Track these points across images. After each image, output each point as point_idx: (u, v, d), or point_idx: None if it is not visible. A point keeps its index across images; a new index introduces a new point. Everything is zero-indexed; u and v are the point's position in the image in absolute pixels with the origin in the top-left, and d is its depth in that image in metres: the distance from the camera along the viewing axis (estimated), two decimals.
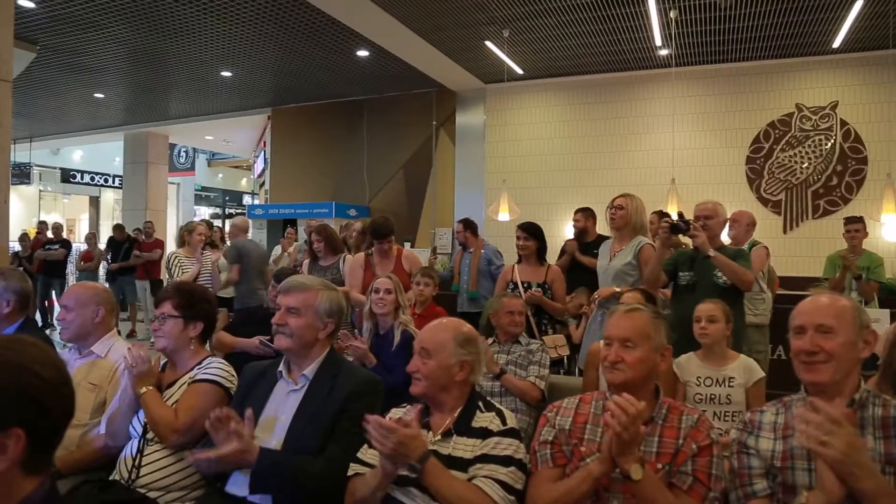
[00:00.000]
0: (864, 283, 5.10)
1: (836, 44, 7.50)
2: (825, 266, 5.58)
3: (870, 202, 7.27)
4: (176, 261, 6.24)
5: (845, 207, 7.81)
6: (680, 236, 3.98)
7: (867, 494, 1.40)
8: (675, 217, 3.70)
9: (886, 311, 4.53)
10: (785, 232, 8.15)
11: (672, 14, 6.79)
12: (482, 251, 5.82)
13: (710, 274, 3.59)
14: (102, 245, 10.38)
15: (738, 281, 3.49)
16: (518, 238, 4.40)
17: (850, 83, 7.97)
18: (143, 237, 9.34)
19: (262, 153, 13.46)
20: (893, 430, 1.57)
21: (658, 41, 7.58)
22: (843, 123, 7.95)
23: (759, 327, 4.70)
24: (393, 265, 4.57)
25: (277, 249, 8.52)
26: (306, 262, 5.15)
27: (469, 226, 6.10)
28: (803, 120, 8.14)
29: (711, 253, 3.52)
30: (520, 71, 8.81)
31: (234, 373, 2.39)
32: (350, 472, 1.94)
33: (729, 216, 5.17)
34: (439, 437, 1.91)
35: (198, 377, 2.32)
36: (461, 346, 1.98)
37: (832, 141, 8.00)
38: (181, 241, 6.61)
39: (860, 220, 5.49)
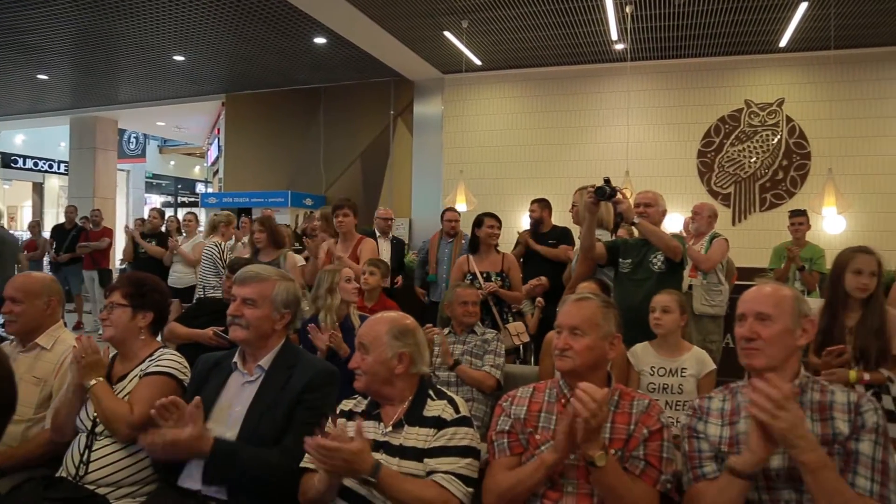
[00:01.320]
0: (806, 274, 5.30)
1: (783, 43, 7.73)
2: (771, 257, 5.78)
3: (812, 196, 7.54)
4: (219, 251, 5.90)
5: (790, 201, 8.08)
6: (633, 229, 4.04)
7: (809, 465, 1.49)
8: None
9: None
10: (734, 224, 8.39)
11: (628, 9, 6.89)
12: (462, 241, 5.87)
13: (647, 260, 3.66)
14: (47, 233, 10.02)
15: (665, 247, 3.55)
16: (492, 226, 4.49)
17: (795, 81, 8.24)
18: (91, 226, 9.05)
19: (216, 140, 13.18)
20: (829, 412, 1.65)
21: (614, 35, 7.68)
22: (789, 120, 8.22)
23: (715, 318, 4.83)
24: (350, 251, 4.55)
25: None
26: (246, 255, 5.00)
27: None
28: (752, 116, 8.38)
29: (636, 220, 3.59)
30: (478, 62, 8.82)
31: (186, 364, 2.35)
32: (304, 463, 1.92)
33: (691, 209, 5.33)
34: (390, 427, 1.91)
35: (150, 369, 2.27)
36: (397, 339, 1.96)
37: (778, 137, 8.26)
38: (212, 230, 6.39)
39: (804, 213, 5.70)
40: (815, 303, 4.48)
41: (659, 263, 3.62)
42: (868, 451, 1.57)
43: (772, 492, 1.62)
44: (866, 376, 2.77)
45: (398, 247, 6.74)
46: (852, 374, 2.77)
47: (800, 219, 5.62)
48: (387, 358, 1.94)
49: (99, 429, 2.17)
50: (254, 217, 8.96)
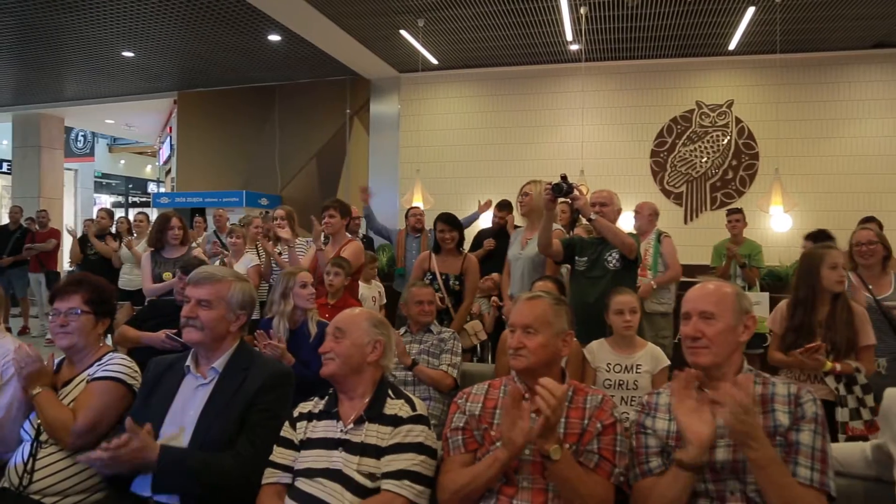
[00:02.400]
0: (747, 270, 5.47)
1: (732, 46, 7.96)
2: (713, 255, 5.95)
3: (760, 195, 7.78)
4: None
5: (739, 200, 8.33)
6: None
7: (759, 462, 1.57)
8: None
9: (766, 295, 4.91)
10: (686, 222, 8.60)
11: (582, 10, 7.00)
12: (429, 235, 5.88)
13: (602, 258, 3.73)
14: None
15: (620, 244, 3.62)
16: (441, 230, 4.38)
17: (744, 83, 8.49)
18: (37, 227, 8.74)
19: (168, 139, 12.89)
20: (771, 404, 1.71)
21: (569, 36, 7.79)
22: (738, 121, 8.47)
23: (665, 315, 4.93)
24: (335, 253, 4.48)
25: None
26: (147, 254, 4.76)
27: None
28: (702, 117, 8.60)
29: (593, 216, 3.64)
30: (434, 61, 8.84)
31: (137, 369, 2.29)
32: (265, 480, 1.91)
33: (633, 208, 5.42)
34: (351, 424, 1.90)
35: (98, 374, 2.20)
36: (375, 327, 2.02)
37: (728, 137, 8.50)
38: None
39: (739, 211, 5.90)
40: (754, 297, 4.67)
41: (614, 261, 3.69)
42: (808, 440, 1.64)
43: (717, 483, 1.68)
44: (838, 367, 2.88)
45: (368, 246, 6.71)
46: (828, 363, 2.88)
47: (736, 216, 5.81)
48: (363, 343, 1.98)
49: (44, 437, 2.10)
50: (208, 217, 8.81)
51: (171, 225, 4.64)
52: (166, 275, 4.36)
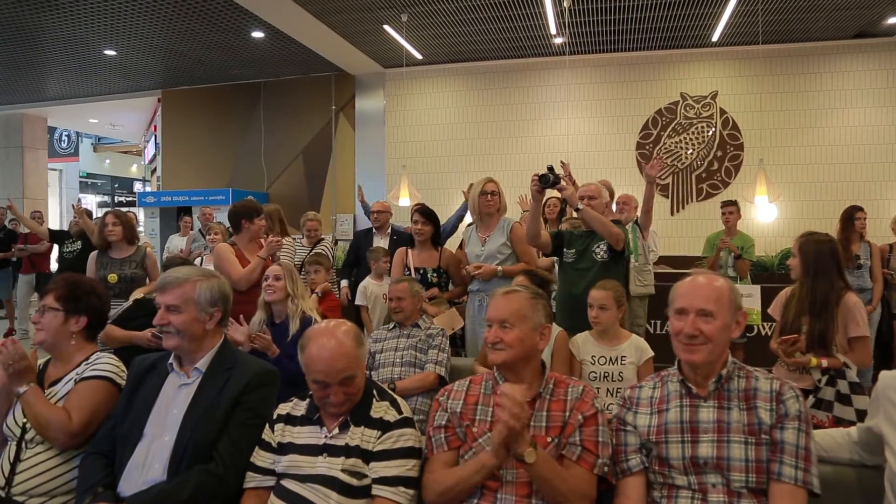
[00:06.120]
0: (739, 262, 5.51)
1: (715, 37, 7.99)
2: (704, 246, 5.98)
3: (745, 185, 7.83)
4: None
5: (725, 191, 8.37)
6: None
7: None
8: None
9: (758, 287, 4.94)
10: (672, 214, 8.64)
11: (566, 3, 7.00)
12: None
13: (590, 250, 3.75)
14: None
15: (607, 234, 3.64)
16: (416, 222, 4.32)
17: (727, 75, 8.53)
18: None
19: (153, 137, 12.79)
20: (754, 401, 1.71)
21: (553, 29, 7.79)
22: (723, 112, 8.51)
23: (643, 299, 4.96)
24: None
25: (172, 241, 8.14)
26: (92, 255, 4.68)
27: None
28: (687, 108, 8.63)
29: (580, 206, 3.65)
30: (419, 56, 8.82)
31: (124, 368, 2.29)
32: (247, 483, 1.91)
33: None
34: (336, 430, 1.89)
35: (86, 374, 2.21)
36: (361, 347, 1.95)
37: (713, 129, 8.54)
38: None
39: (734, 203, 5.91)
40: (745, 289, 4.71)
41: (602, 253, 3.71)
42: (792, 439, 1.64)
43: (699, 476, 1.69)
44: (824, 362, 2.84)
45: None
46: (814, 360, 2.87)
47: (730, 208, 5.83)
48: (363, 373, 1.96)
49: (29, 436, 2.09)
50: (194, 215, 8.76)
51: (107, 221, 4.58)
52: (111, 276, 4.34)
